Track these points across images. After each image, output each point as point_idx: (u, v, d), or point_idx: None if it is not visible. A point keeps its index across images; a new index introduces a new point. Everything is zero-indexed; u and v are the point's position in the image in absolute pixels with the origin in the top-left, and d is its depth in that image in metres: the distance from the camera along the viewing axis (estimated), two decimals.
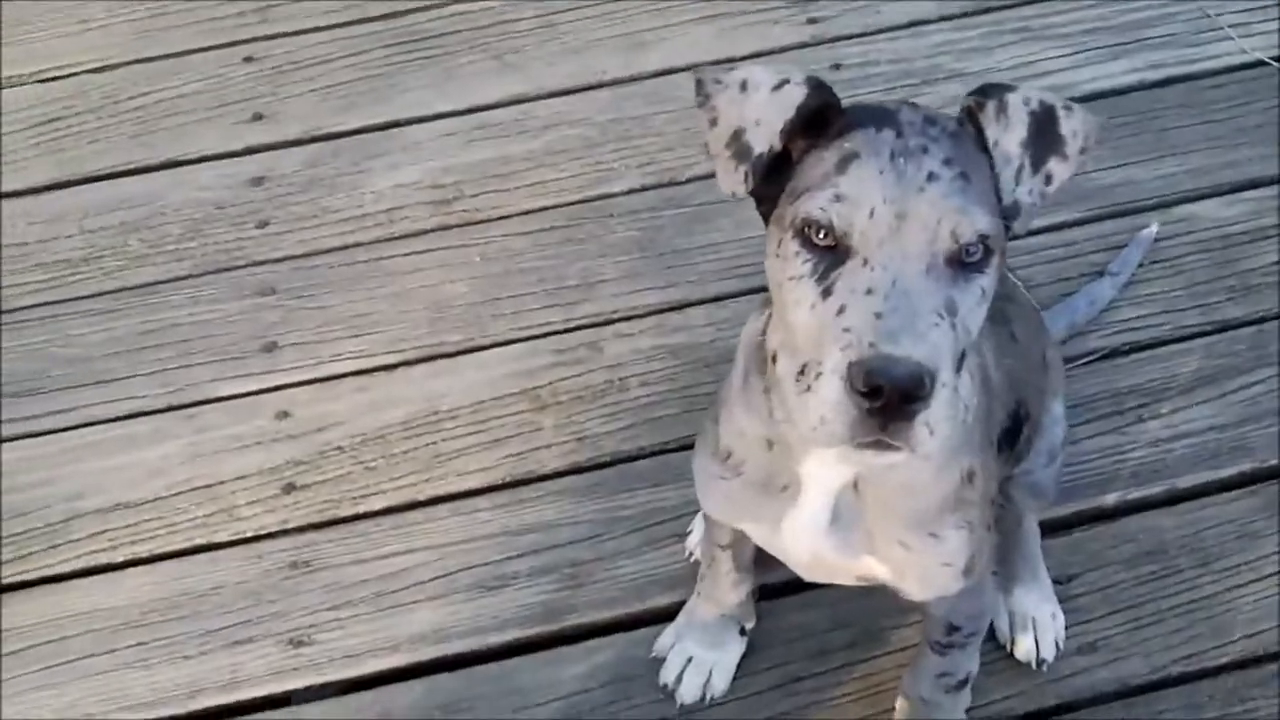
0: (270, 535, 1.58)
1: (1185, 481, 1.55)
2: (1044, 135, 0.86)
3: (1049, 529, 1.48)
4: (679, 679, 1.40)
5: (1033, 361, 1.26)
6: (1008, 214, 0.85)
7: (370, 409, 1.68)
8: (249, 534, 1.59)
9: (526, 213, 1.87)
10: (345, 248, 1.85)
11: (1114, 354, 1.67)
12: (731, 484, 1.07)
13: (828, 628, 1.44)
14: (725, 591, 1.34)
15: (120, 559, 1.57)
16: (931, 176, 0.81)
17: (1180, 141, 1.89)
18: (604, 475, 1.60)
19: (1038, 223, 1.69)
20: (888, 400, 0.77)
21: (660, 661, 1.42)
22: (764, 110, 0.86)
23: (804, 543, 1.06)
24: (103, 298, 1.83)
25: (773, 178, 0.88)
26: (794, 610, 1.45)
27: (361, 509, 1.60)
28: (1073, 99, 0.89)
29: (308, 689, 1.46)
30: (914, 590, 1.10)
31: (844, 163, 0.83)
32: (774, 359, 0.94)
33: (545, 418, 1.66)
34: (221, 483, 1.63)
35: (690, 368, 1.68)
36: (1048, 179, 0.86)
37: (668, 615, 1.47)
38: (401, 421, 1.66)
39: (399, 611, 1.50)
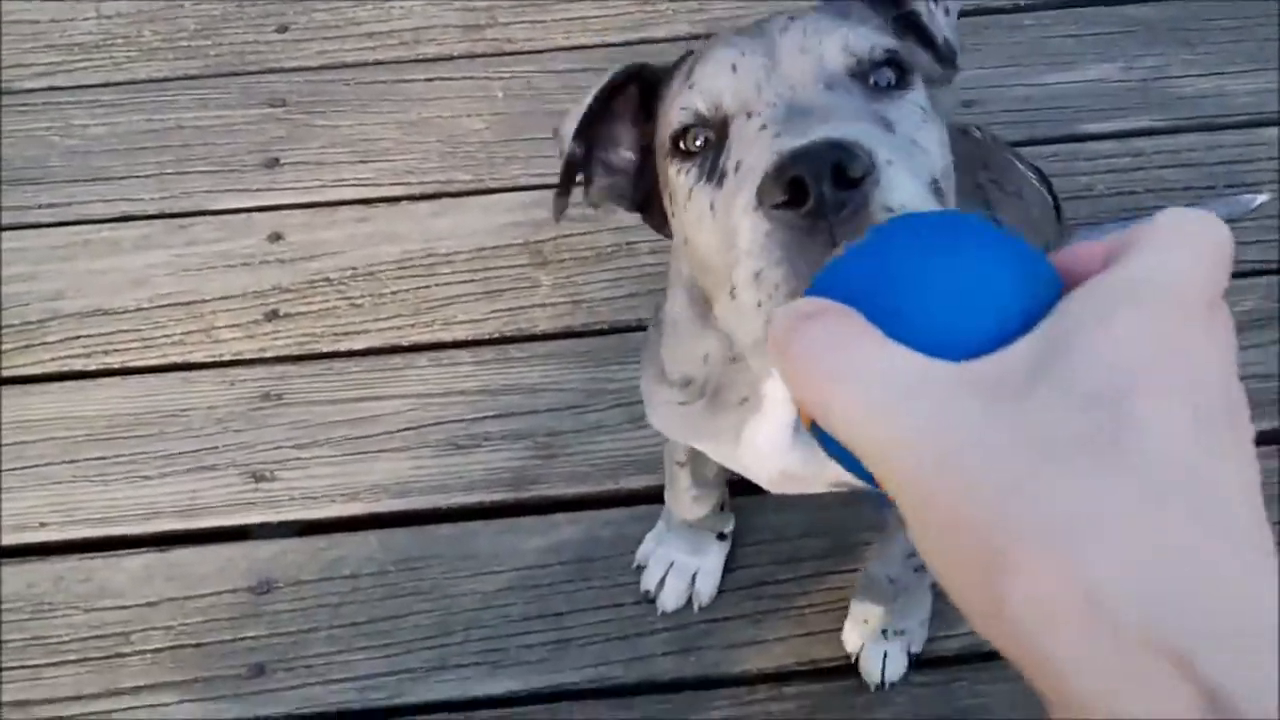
0: (246, 362, 1.57)
1: None
2: None
3: None
4: (660, 584, 1.37)
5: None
6: (946, 57, 0.75)
7: (366, 242, 1.65)
8: (225, 358, 1.58)
9: (560, 49, 1.80)
10: (364, 64, 1.80)
11: None
12: (689, 407, 1.00)
13: (800, 534, 1.41)
14: (686, 507, 1.30)
15: (92, 367, 1.58)
16: (793, 19, 0.69)
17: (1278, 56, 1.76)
18: (596, 343, 1.56)
19: (1102, 127, 1.59)
20: (820, 197, 0.55)
21: (640, 569, 1.40)
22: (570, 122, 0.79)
23: (770, 460, 0.99)
24: (109, 89, 1.81)
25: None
26: (770, 511, 1.42)
27: (342, 347, 1.58)
28: None
29: (264, 525, 1.46)
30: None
31: (689, 71, 0.71)
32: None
33: (544, 275, 1.62)
34: (204, 301, 1.62)
35: None
36: (946, 10, 0.75)
37: (640, 499, 1.45)
38: (396, 260, 1.64)
39: (365, 459, 1.49)
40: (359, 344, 1.58)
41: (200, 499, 1.47)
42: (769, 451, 0.98)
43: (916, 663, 1.31)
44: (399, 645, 1.36)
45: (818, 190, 0.55)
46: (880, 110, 0.65)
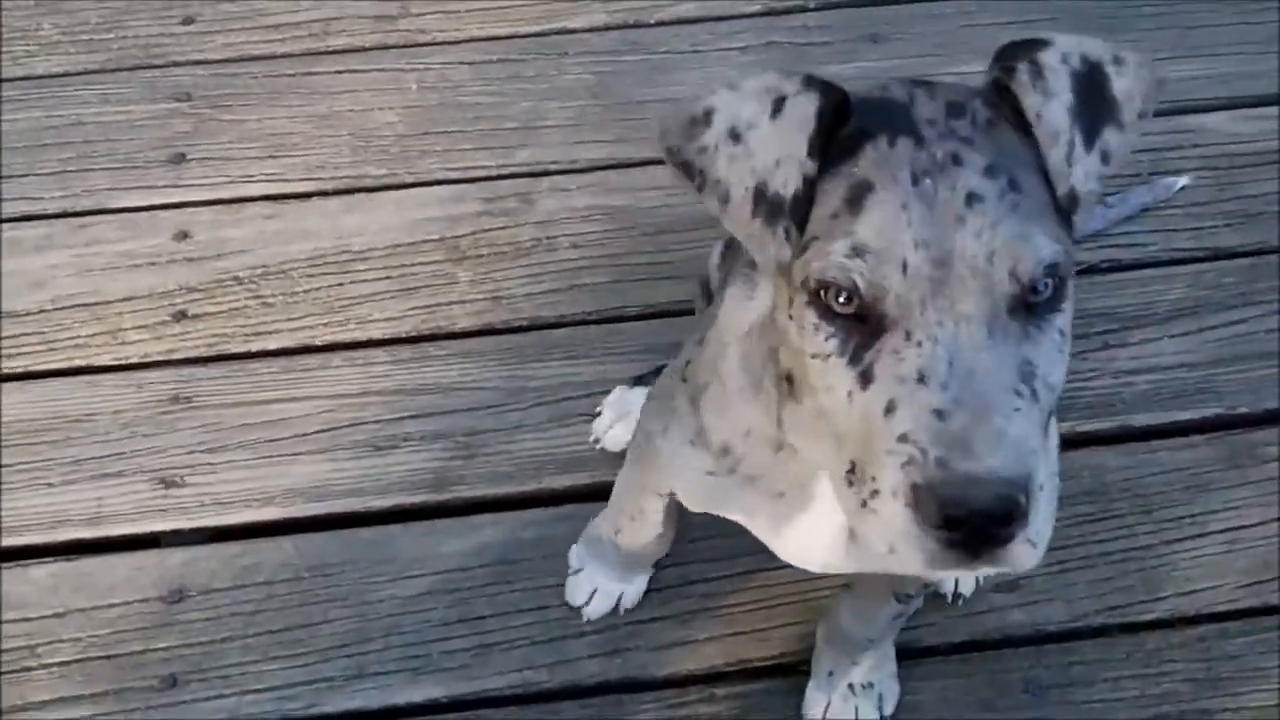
0: (154, 364, 1.54)
1: (1141, 419, 1.49)
2: (1092, 99, 0.69)
3: None
4: (588, 601, 1.35)
5: None
6: (1065, 209, 0.69)
7: (276, 239, 1.62)
8: (132, 360, 1.54)
9: (474, 40, 1.79)
10: (273, 57, 1.78)
11: (1091, 270, 1.60)
12: (719, 480, 0.95)
13: (731, 531, 1.40)
14: (647, 544, 1.26)
15: None
16: (972, 199, 0.65)
17: (1205, 43, 1.79)
18: (517, 340, 1.55)
19: None
20: (972, 529, 0.63)
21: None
22: (778, 143, 0.69)
23: (815, 555, 0.95)
24: (8, 85, 1.76)
25: None
26: None
27: (254, 347, 1.55)
28: None
29: (175, 532, 1.43)
30: (929, 575, 1.02)
31: (856, 198, 0.67)
32: (789, 380, 0.79)
33: (462, 271, 1.60)
34: (108, 302, 1.59)
35: (627, 233, 1.62)
36: (1104, 156, 0.69)
37: (563, 498, 1.44)
38: (308, 257, 1.61)
39: (278, 462, 1.46)
40: (271, 344, 1.55)
41: (108, 506, 1.44)
42: (818, 548, 0.93)
43: None
44: (316, 653, 1.34)
45: (973, 529, 0.63)
46: (1027, 354, 0.66)
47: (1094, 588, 1.38)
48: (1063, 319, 0.69)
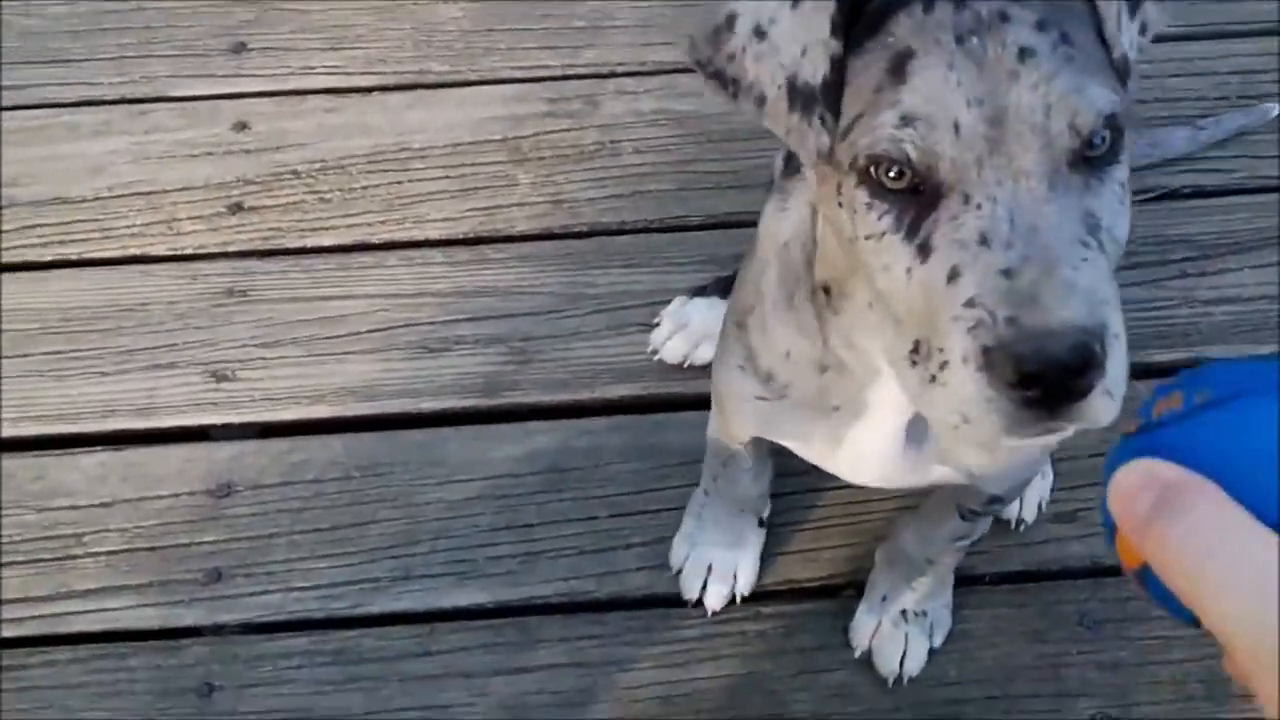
0: (209, 256, 1.53)
1: (1216, 351, 1.45)
2: None
3: None
4: (704, 588, 1.30)
5: None
6: (1119, 72, 0.67)
7: (335, 134, 1.60)
8: (187, 251, 1.54)
9: None
10: None
11: (1172, 195, 1.55)
12: (773, 404, 0.93)
13: (780, 451, 1.38)
14: (745, 487, 1.22)
15: (48, 258, 1.53)
16: (1024, 53, 0.62)
17: None
18: (576, 246, 1.52)
19: None
20: (1049, 385, 0.61)
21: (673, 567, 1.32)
22: (801, 31, 0.67)
23: (871, 466, 0.93)
24: None
25: None
26: None
27: (309, 243, 1.54)
28: None
29: (225, 426, 1.43)
30: (989, 485, 1.00)
31: (897, 67, 0.64)
32: (826, 291, 0.79)
33: (523, 173, 1.57)
34: (165, 191, 1.57)
35: (693, 140, 1.58)
36: (1143, 27, 0.69)
37: (618, 408, 1.42)
38: (367, 153, 1.59)
39: (330, 360, 1.45)
40: (327, 240, 1.54)
41: (159, 397, 1.44)
42: (874, 458, 0.91)
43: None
44: (362, 553, 1.34)
45: (1050, 384, 0.60)
46: (1090, 205, 0.64)
47: None
48: (1121, 171, 0.66)
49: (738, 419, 1.01)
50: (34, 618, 1.30)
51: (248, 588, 1.32)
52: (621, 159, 1.57)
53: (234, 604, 1.31)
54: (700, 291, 1.44)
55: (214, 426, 1.43)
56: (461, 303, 1.48)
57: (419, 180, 1.57)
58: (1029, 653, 1.26)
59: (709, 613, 1.29)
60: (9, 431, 1.40)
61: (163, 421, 1.43)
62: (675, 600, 1.30)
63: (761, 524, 1.31)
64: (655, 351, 1.43)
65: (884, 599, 1.24)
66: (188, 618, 1.31)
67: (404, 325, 1.47)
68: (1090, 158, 0.64)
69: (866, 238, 0.67)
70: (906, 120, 0.63)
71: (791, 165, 0.96)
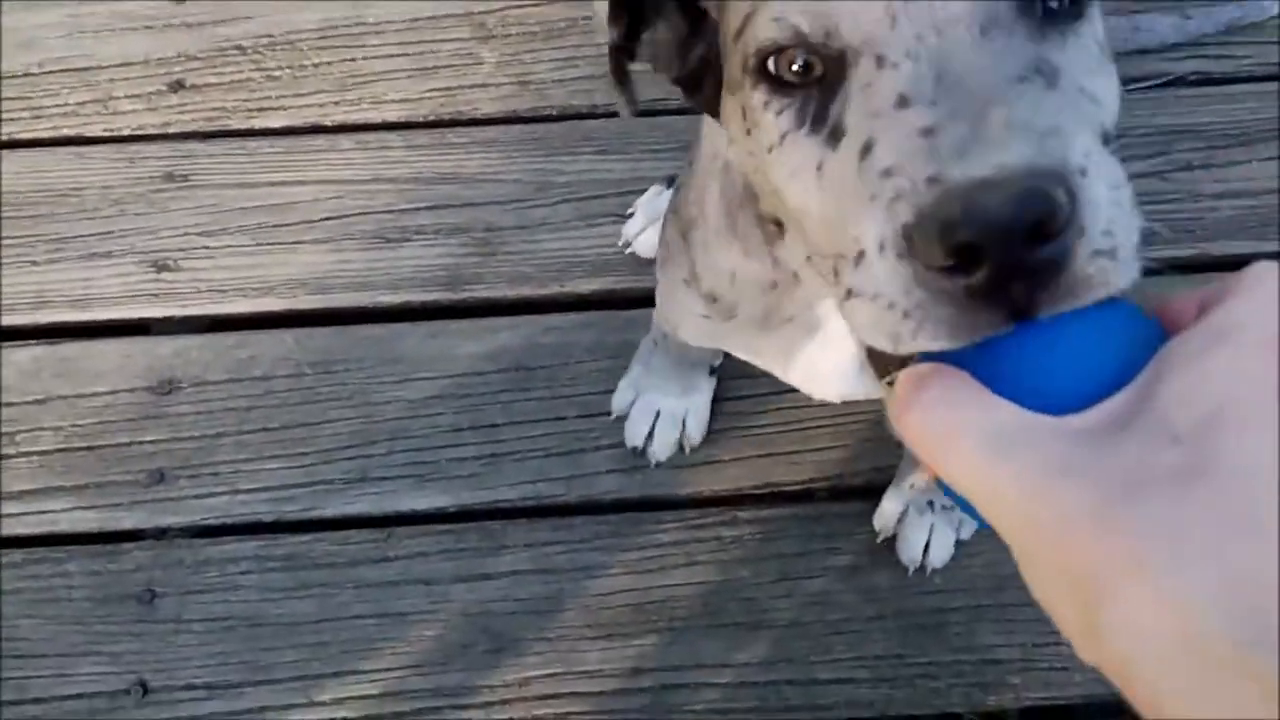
0: (148, 138, 1.45)
1: (1220, 248, 1.39)
2: None
3: None
4: (649, 437, 1.26)
5: None
6: None
7: (284, 6, 1.51)
8: (124, 132, 1.45)
9: None
10: None
11: (1177, 82, 1.48)
12: (719, 324, 0.87)
13: None
14: (696, 351, 1.18)
15: None
16: None
17: None
18: (545, 130, 1.45)
19: None
20: (1002, 261, 0.44)
21: (620, 417, 1.29)
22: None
23: (829, 382, 0.86)
24: None
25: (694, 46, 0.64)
26: None
27: (256, 124, 1.45)
28: None
29: (167, 320, 1.36)
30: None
31: None
32: (777, 224, 0.67)
33: (488, 51, 1.49)
34: (101, 68, 1.48)
35: None
36: None
37: (587, 303, 1.35)
38: (318, 28, 1.50)
39: (280, 250, 1.38)
40: (275, 121, 1.45)
41: (95, 288, 1.36)
42: (831, 374, 0.84)
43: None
44: (316, 454, 1.28)
45: (1000, 259, 0.44)
46: (1045, 54, 0.50)
47: None
48: (1092, 28, 0.54)
49: (683, 331, 0.95)
50: None
51: (192, 490, 1.26)
52: (593, 37, 1.49)
53: (178, 506, 1.26)
54: (675, 181, 1.37)
55: (155, 320, 1.36)
56: (421, 190, 1.41)
57: (375, 58, 1.48)
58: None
59: (653, 463, 1.26)
60: None
61: (100, 314, 1.36)
62: (648, 504, 1.25)
63: (713, 372, 1.26)
64: (628, 244, 1.37)
65: (912, 486, 1.20)
66: (128, 521, 1.25)
67: (359, 214, 1.40)
68: (1050, 10, 0.52)
69: (769, 150, 0.56)
70: None
71: None
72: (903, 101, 0.48)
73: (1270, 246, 1.39)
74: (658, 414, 1.26)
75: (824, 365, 0.84)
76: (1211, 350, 0.41)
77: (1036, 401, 0.43)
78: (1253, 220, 1.40)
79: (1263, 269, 0.44)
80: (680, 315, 0.91)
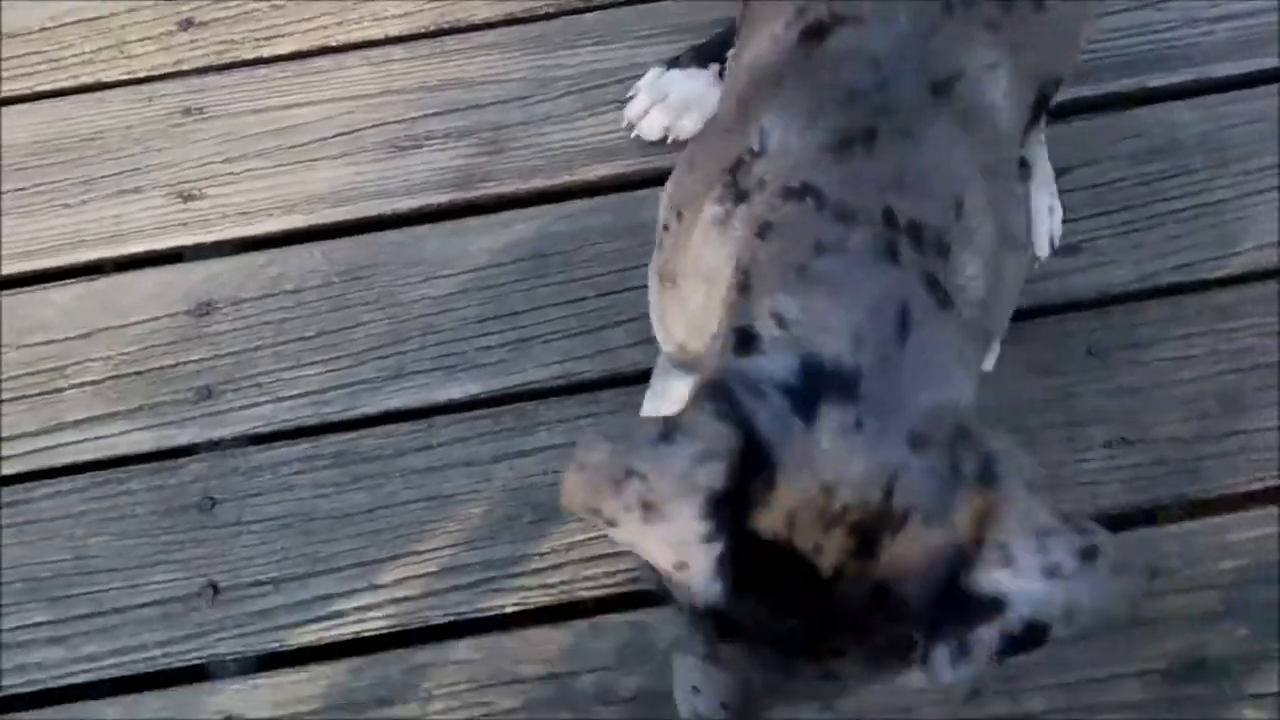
0: (162, 76, 1.53)
1: (1220, 70, 1.44)
2: None
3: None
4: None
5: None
6: None
7: None
8: (140, 74, 1.53)
9: None
10: None
11: None
12: None
13: None
14: None
15: None
16: None
17: None
18: (542, 29, 1.52)
19: None
20: None
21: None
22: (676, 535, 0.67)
23: None
24: None
25: None
26: None
27: (265, 52, 1.53)
28: None
29: (197, 246, 1.44)
30: None
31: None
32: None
33: None
34: (112, 15, 1.57)
35: None
36: None
37: (596, 189, 1.43)
38: None
39: (298, 169, 1.46)
40: (283, 48, 1.53)
41: (126, 224, 1.45)
42: None
43: None
44: (350, 357, 1.36)
45: None
46: None
47: (1162, 246, 1.36)
48: None
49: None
50: (29, 453, 1.33)
51: (238, 401, 1.35)
52: None
53: (226, 419, 1.34)
54: (675, 63, 1.43)
55: (186, 247, 1.44)
56: (428, 98, 1.48)
57: None
58: (1037, 386, 1.28)
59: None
60: None
61: (133, 247, 1.44)
62: None
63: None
64: (631, 127, 1.43)
65: None
66: (181, 437, 1.34)
67: (371, 126, 1.47)
68: None
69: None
70: None
71: None
72: None
73: (1270, 61, 1.43)
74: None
75: None
76: None
77: None
78: (1253, 38, 1.44)
79: None
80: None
